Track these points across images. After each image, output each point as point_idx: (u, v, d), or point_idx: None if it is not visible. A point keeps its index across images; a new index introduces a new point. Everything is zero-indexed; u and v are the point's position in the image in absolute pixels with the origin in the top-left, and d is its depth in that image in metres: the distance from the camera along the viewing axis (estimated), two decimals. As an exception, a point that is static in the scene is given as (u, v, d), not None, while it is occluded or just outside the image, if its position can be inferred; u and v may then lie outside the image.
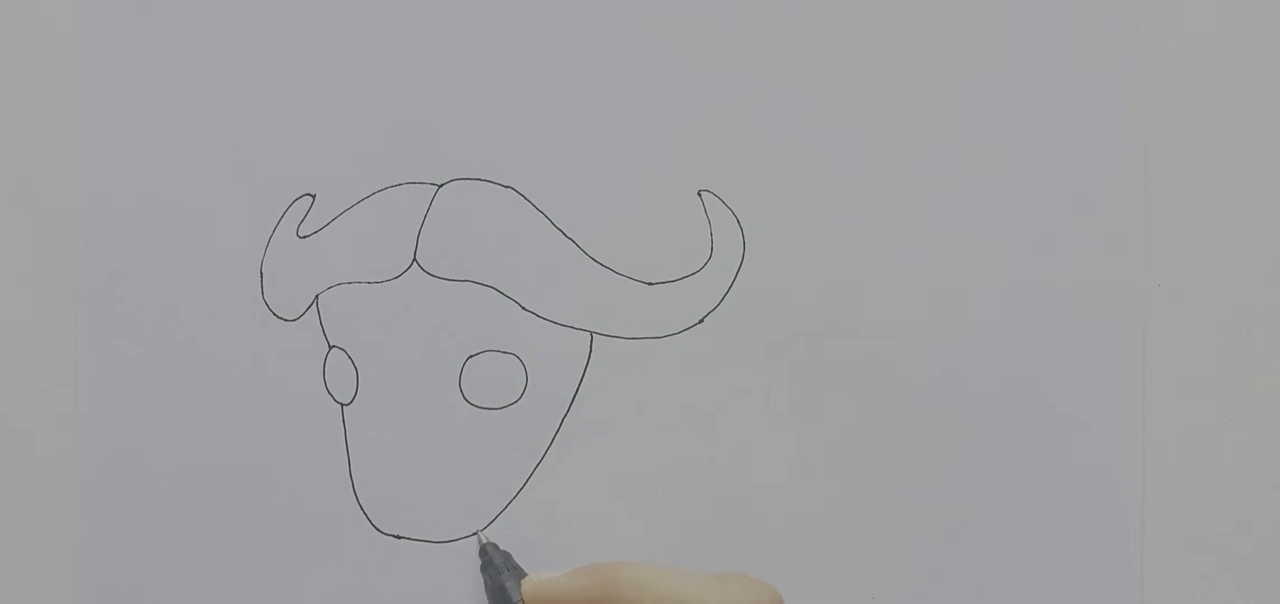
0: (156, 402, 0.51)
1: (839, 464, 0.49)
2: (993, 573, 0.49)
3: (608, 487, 0.50)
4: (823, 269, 0.49)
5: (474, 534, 0.49)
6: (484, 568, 0.48)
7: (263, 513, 0.51)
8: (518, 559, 0.49)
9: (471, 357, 0.50)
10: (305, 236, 0.51)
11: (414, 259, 0.50)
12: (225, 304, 0.51)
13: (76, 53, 0.52)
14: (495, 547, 0.48)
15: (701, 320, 0.50)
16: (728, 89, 0.49)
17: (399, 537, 0.50)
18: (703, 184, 0.50)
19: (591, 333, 0.50)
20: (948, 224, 0.49)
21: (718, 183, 0.50)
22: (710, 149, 0.49)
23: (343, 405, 0.51)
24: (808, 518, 0.49)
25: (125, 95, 0.52)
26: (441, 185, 0.50)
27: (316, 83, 0.51)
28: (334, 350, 0.51)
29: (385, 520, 0.50)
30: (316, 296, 0.51)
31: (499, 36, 0.50)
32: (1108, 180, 0.49)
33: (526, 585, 0.44)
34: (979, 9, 0.49)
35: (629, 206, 0.50)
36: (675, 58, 0.50)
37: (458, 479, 0.50)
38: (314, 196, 0.51)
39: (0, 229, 0.52)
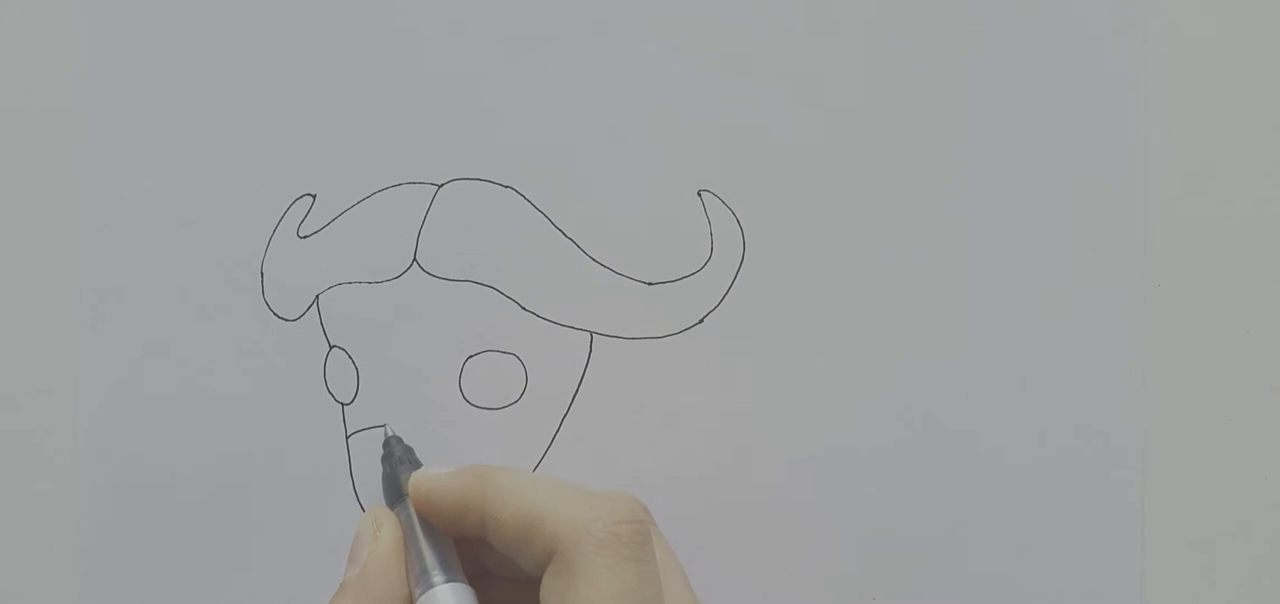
0: (157, 401, 0.51)
1: (839, 464, 0.49)
2: (993, 573, 0.49)
3: (608, 486, 0.49)
4: (823, 269, 0.49)
5: (384, 434, 0.48)
6: (383, 459, 0.47)
7: (263, 513, 0.51)
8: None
9: (471, 356, 0.50)
10: (305, 237, 0.51)
11: (414, 259, 0.50)
12: (225, 304, 0.51)
13: (80, 53, 0.52)
14: (399, 440, 0.47)
15: (701, 320, 0.50)
16: (727, 89, 0.49)
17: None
18: (703, 184, 0.50)
19: (591, 333, 0.50)
20: (948, 224, 0.49)
21: (718, 183, 0.50)
22: (710, 149, 0.50)
23: (343, 405, 0.51)
24: (808, 518, 0.49)
25: (126, 95, 0.52)
26: (441, 185, 0.50)
27: (316, 83, 0.51)
28: (334, 350, 0.51)
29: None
30: (316, 297, 0.51)
31: (499, 36, 0.50)
32: (1108, 180, 0.49)
33: (413, 479, 0.44)
34: (979, 9, 0.49)
35: (629, 206, 0.50)
36: (675, 58, 0.50)
37: (458, 479, 0.50)
38: (314, 196, 0.51)
39: (1, 229, 0.52)
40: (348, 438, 0.51)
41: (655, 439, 0.50)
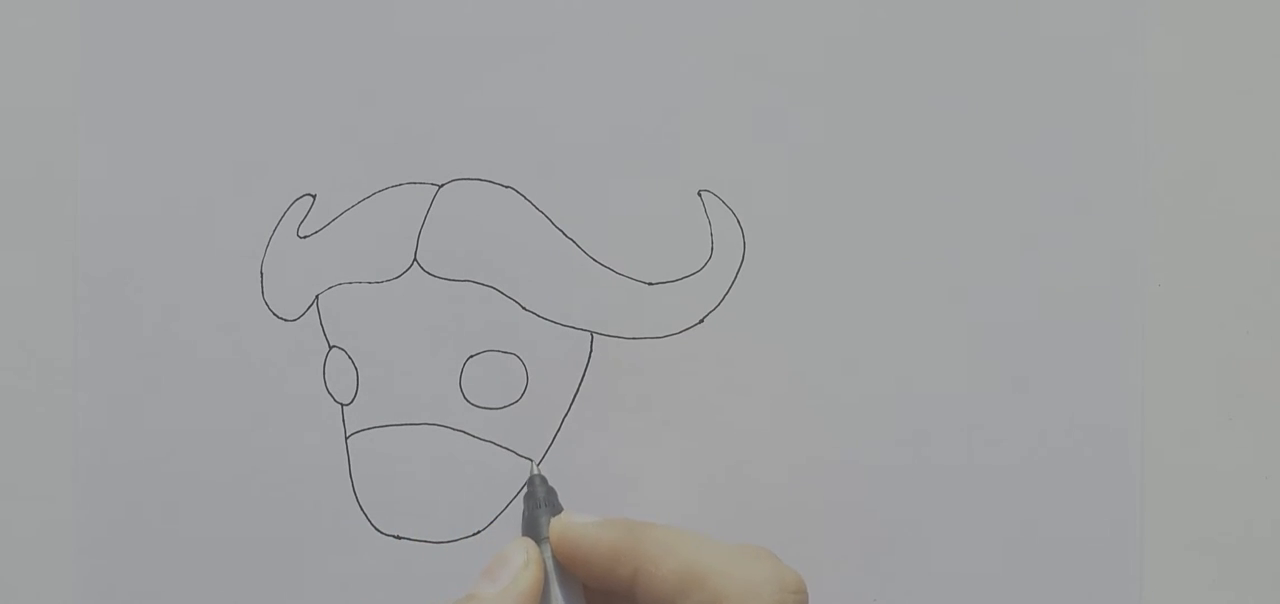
0: (156, 401, 0.51)
1: (839, 464, 0.49)
2: (992, 573, 0.49)
3: (608, 487, 0.50)
4: (823, 269, 0.49)
5: (530, 471, 0.46)
6: (526, 497, 0.45)
7: (262, 513, 0.51)
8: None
9: (471, 356, 0.50)
10: (305, 237, 0.51)
11: (414, 259, 0.50)
12: (225, 304, 0.51)
13: (80, 52, 0.52)
14: (543, 480, 0.46)
15: (701, 320, 0.50)
16: (728, 89, 0.49)
17: (399, 537, 0.50)
18: (703, 184, 0.50)
19: (591, 333, 0.50)
20: (948, 223, 0.49)
21: (718, 183, 0.50)
22: (710, 149, 0.50)
23: (343, 405, 0.51)
24: (808, 518, 0.49)
25: (127, 95, 0.52)
26: (441, 185, 0.50)
27: (316, 83, 0.51)
28: (334, 350, 0.51)
29: (385, 520, 0.50)
30: (316, 297, 0.51)
31: (499, 36, 0.50)
32: (1108, 180, 0.49)
33: (556, 523, 0.43)
34: (979, 9, 0.49)
35: (629, 206, 0.50)
36: (675, 58, 0.50)
37: (458, 479, 0.50)
38: (314, 196, 0.51)
39: (1, 229, 0.52)
40: (347, 438, 0.51)
41: (655, 439, 0.50)
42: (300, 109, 0.51)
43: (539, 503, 0.45)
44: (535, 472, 0.46)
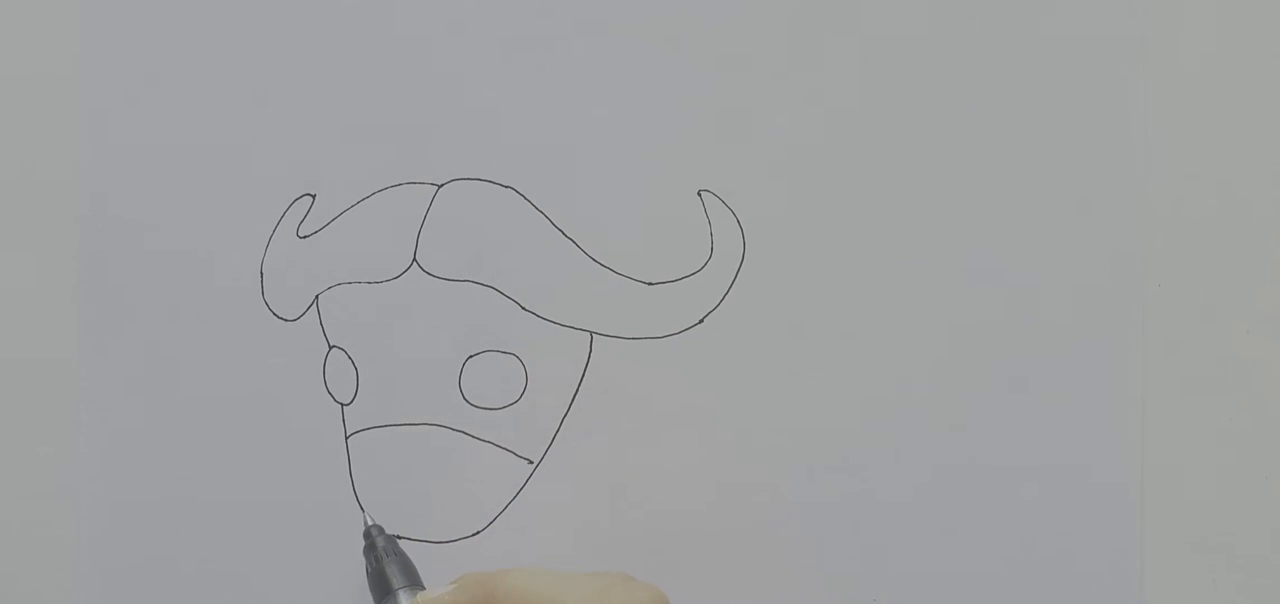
0: (156, 401, 0.51)
1: (838, 464, 0.49)
2: (993, 573, 0.49)
3: (608, 487, 0.50)
4: (822, 269, 0.49)
5: (364, 523, 0.48)
6: (366, 550, 0.47)
7: (262, 513, 0.51)
8: (516, 557, 0.49)
9: (471, 356, 0.50)
10: (305, 237, 0.51)
11: (414, 259, 0.50)
12: (225, 304, 0.51)
13: (81, 51, 0.52)
14: (381, 530, 0.48)
15: (701, 320, 0.50)
16: (728, 89, 0.49)
17: (399, 537, 0.50)
18: (703, 184, 0.50)
19: (591, 333, 0.50)
20: (947, 224, 0.49)
21: (718, 183, 0.50)
22: (710, 149, 0.50)
23: (343, 405, 0.51)
24: (808, 518, 0.49)
25: (127, 95, 0.52)
26: (441, 185, 0.50)
27: (316, 83, 0.51)
28: (334, 350, 0.51)
29: (385, 520, 0.50)
30: (316, 297, 0.51)
31: (499, 36, 0.50)
32: (1108, 180, 0.49)
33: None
34: (979, 10, 0.49)
35: (629, 206, 0.50)
36: (675, 58, 0.50)
37: (458, 479, 0.50)
38: (314, 197, 0.51)
39: (2, 228, 0.52)
40: (347, 438, 0.51)
41: (655, 439, 0.50)
42: (300, 109, 0.51)
43: (382, 554, 0.47)
44: (370, 522, 0.48)
